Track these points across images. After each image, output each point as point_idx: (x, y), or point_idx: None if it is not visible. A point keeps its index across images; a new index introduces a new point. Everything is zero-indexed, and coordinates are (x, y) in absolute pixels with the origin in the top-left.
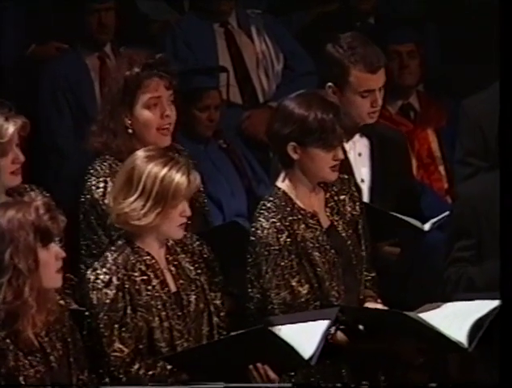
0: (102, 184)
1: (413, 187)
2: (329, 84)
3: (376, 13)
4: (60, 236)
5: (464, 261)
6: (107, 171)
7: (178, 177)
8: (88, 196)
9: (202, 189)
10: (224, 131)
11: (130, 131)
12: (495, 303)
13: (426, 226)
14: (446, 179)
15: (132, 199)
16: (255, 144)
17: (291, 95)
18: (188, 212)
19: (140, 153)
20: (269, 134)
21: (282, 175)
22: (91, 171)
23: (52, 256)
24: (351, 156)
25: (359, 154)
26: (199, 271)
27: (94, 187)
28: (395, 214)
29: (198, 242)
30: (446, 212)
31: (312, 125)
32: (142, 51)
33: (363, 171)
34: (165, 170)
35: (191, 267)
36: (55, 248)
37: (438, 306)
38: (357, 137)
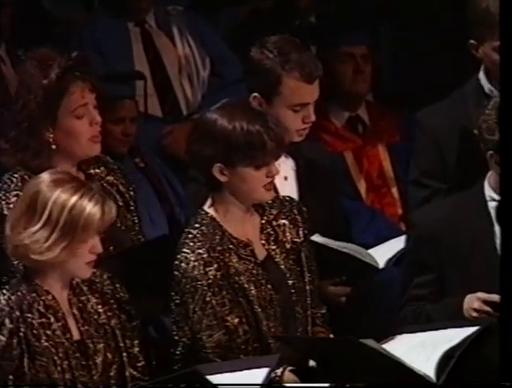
0: (13, 199)
1: (343, 212)
2: (255, 94)
3: (317, 10)
4: None
5: (423, 299)
6: (19, 184)
7: (90, 207)
8: None
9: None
10: (141, 148)
11: (53, 147)
12: (470, 330)
13: (381, 264)
14: (399, 203)
15: (34, 229)
16: (178, 163)
17: (211, 108)
18: (99, 249)
19: (46, 176)
20: (190, 156)
21: (209, 199)
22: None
23: None
24: (277, 181)
25: (285, 178)
26: (109, 314)
27: (3, 202)
28: (345, 251)
29: (108, 281)
30: (403, 246)
31: (238, 141)
32: (50, 51)
33: None
34: (75, 198)
35: (100, 310)
36: None
37: (404, 337)
38: (282, 157)
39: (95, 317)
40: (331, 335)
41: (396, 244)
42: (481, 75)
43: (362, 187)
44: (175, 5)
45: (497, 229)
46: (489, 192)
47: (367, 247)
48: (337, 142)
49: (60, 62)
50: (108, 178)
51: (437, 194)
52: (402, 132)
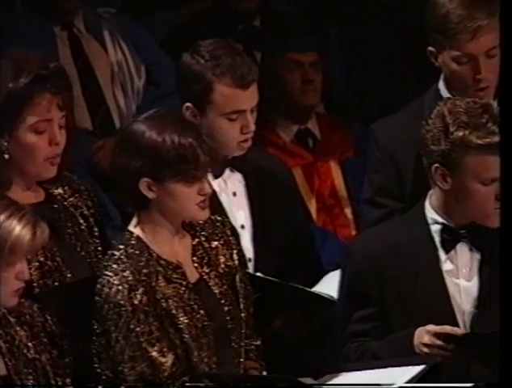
0: None
1: (305, 228)
2: (187, 104)
3: (262, 13)
4: None
5: (365, 335)
6: None
7: (19, 228)
8: None
9: None
10: (68, 164)
11: (6, 156)
12: (415, 370)
13: (336, 296)
14: (353, 224)
15: None
16: (110, 181)
17: (139, 118)
18: (27, 275)
19: None
20: (114, 170)
21: (135, 218)
22: None
23: None
24: (223, 198)
25: (234, 194)
26: (39, 348)
27: None
28: (299, 286)
29: (38, 312)
30: None
31: (169, 154)
32: (28, 53)
33: (241, 215)
34: (2, 217)
35: (29, 344)
36: None
37: (348, 375)
38: (227, 172)
39: (24, 351)
40: (264, 372)
41: None
42: (441, 85)
43: (312, 207)
44: (107, 7)
45: (441, 254)
46: (431, 214)
47: (321, 273)
48: (286, 158)
49: (32, 69)
50: (72, 199)
51: (393, 214)
52: (356, 147)
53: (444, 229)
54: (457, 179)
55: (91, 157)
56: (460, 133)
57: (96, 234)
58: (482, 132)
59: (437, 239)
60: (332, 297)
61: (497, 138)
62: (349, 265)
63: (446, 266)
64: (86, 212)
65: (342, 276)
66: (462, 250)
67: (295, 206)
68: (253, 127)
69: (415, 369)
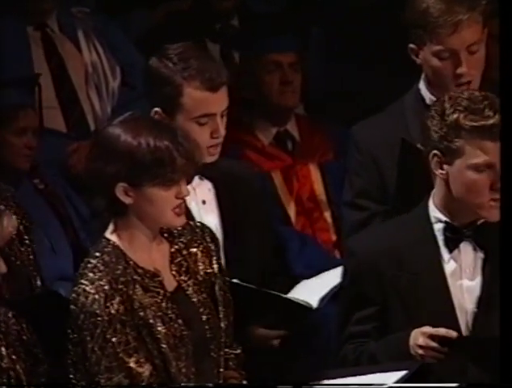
0: None
1: (276, 237)
2: (156, 109)
3: (240, 13)
4: None
5: (365, 336)
6: None
7: None
8: None
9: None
10: (41, 167)
11: None
12: (398, 375)
13: (314, 304)
14: (333, 228)
15: None
16: (84, 185)
17: (114, 122)
18: (3, 267)
19: None
20: (89, 175)
21: (111, 224)
22: None
23: None
24: (193, 206)
25: (203, 202)
26: (14, 357)
27: None
28: (273, 292)
29: (14, 320)
30: (337, 280)
31: (145, 158)
32: None
33: (210, 223)
34: None
35: (4, 353)
36: None
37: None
38: (196, 180)
39: None
40: (244, 381)
41: (331, 278)
42: (422, 85)
43: (291, 210)
44: (81, 6)
45: (444, 253)
46: (434, 213)
47: (297, 279)
48: (264, 161)
49: None
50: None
51: (375, 217)
52: (336, 150)
53: (447, 228)
54: (452, 165)
55: (66, 159)
56: (455, 115)
57: (27, 241)
58: (477, 116)
59: (440, 238)
60: (308, 303)
61: (491, 121)
62: (349, 265)
63: (450, 265)
64: None
65: (343, 277)
66: (466, 249)
67: (268, 213)
68: (223, 132)
69: (393, 377)
